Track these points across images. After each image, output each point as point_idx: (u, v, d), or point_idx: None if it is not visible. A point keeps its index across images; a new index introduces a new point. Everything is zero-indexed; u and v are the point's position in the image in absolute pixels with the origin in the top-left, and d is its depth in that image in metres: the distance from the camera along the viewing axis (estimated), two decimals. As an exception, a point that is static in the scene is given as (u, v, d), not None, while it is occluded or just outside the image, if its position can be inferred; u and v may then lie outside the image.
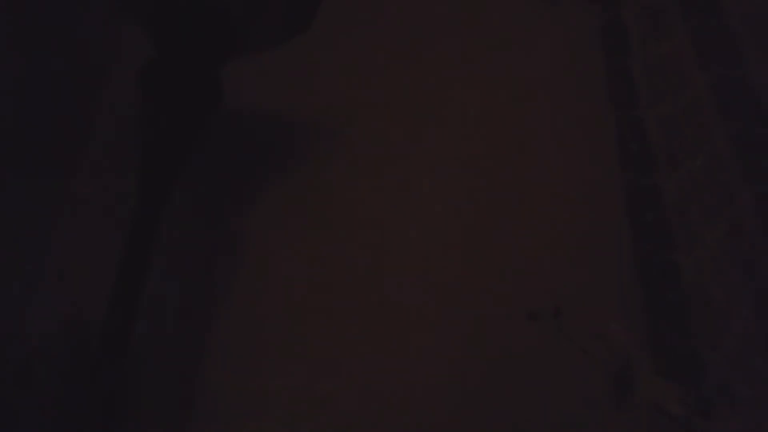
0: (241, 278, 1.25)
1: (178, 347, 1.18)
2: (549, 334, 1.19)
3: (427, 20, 1.60)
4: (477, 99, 1.49)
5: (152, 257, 1.05)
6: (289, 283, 1.25)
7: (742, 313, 1.14)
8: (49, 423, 1.08)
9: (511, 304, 1.23)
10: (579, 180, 1.39)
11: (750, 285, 1.16)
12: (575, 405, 1.13)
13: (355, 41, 1.55)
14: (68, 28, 1.30)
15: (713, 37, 1.42)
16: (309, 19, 1.23)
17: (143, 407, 1.11)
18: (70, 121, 1.35)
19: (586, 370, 1.16)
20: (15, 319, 1.17)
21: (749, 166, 1.25)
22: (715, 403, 1.08)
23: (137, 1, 1.14)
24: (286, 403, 1.13)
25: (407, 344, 1.20)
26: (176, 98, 1.09)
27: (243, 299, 1.23)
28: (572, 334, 1.18)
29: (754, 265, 1.17)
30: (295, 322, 1.21)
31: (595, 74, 1.53)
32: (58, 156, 1.31)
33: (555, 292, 1.24)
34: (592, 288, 1.25)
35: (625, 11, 1.59)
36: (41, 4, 1.22)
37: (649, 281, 1.25)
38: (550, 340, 1.19)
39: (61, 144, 1.32)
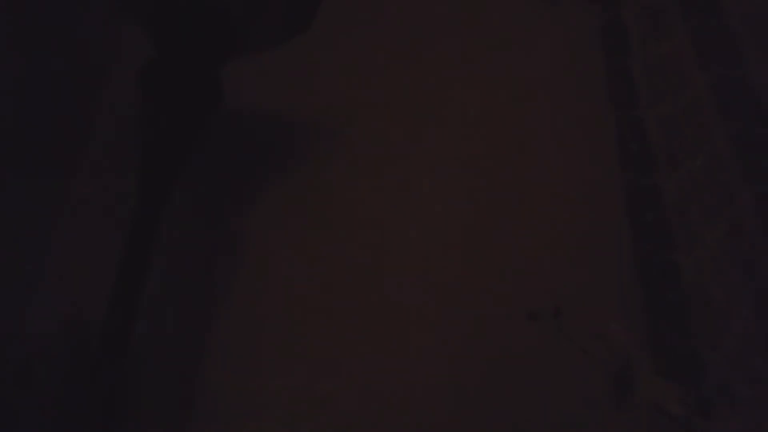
0: (241, 278, 1.25)
1: (178, 347, 1.18)
2: (549, 334, 1.19)
3: (427, 20, 1.60)
4: (477, 99, 1.49)
5: (152, 257, 1.05)
6: (289, 283, 1.25)
7: (742, 313, 1.14)
8: (49, 423, 1.08)
9: (511, 304, 1.23)
10: (579, 180, 1.39)
11: (750, 285, 1.16)
12: (575, 405, 1.13)
13: (355, 41, 1.55)
14: (68, 28, 1.30)
15: (713, 37, 1.42)
16: (309, 19, 1.23)
17: (143, 407, 1.11)
18: (70, 121, 1.35)
19: (586, 370, 1.16)
20: (15, 319, 1.17)
21: (749, 166, 1.25)
22: (715, 403, 1.08)
23: (137, 1, 1.14)
24: (286, 403, 1.13)
25: (407, 344, 1.20)
26: (176, 98, 1.09)
27: (243, 299, 1.23)
28: (572, 334, 1.18)
29: (754, 265, 1.17)
30: (295, 322, 1.21)
31: (595, 74, 1.53)
32: (58, 156, 1.31)
33: (555, 292, 1.24)
34: (592, 288, 1.25)
35: (625, 11, 1.59)
36: (41, 4, 1.22)
37: (649, 281, 1.25)
38: (550, 340, 1.19)
39: (61, 144, 1.32)
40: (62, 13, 1.28)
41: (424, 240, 1.31)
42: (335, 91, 1.48)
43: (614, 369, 1.16)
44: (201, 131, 1.13)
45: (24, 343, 1.15)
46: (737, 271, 1.18)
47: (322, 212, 1.33)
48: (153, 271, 1.05)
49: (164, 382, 1.14)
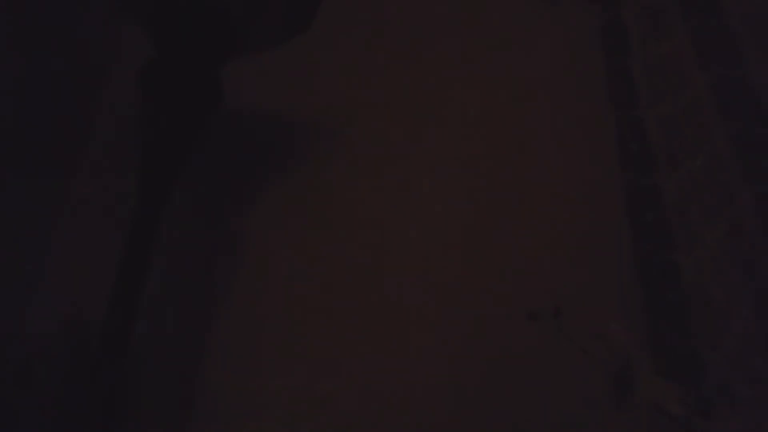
0: (241, 278, 1.25)
1: (178, 347, 1.18)
2: (549, 334, 1.19)
3: (427, 20, 1.60)
4: (477, 99, 1.49)
5: (152, 257, 1.05)
6: (289, 283, 1.25)
7: (742, 313, 1.14)
8: (49, 423, 1.08)
9: (511, 304, 1.23)
10: (579, 180, 1.39)
11: (750, 285, 1.16)
12: (575, 405, 1.13)
13: (355, 41, 1.55)
14: (68, 28, 1.30)
15: (713, 37, 1.42)
16: (309, 19, 1.23)
17: (143, 407, 1.11)
18: (70, 121, 1.35)
19: (586, 370, 1.16)
20: (15, 319, 1.17)
21: (749, 166, 1.25)
22: (715, 403, 1.08)
23: (137, 1, 1.14)
24: (286, 403, 1.13)
25: (407, 344, 1.20)
26: (176, 98, 1.09)
27: (243, 299, 1.23)
28: (572, 334, 1.18)
29: (754, 265, 1.17)
30: (295, 322, 1.21)
31: (595, 74, 1.53)
32: (58, 156, 1.31)
33: (555, 292, 1.24)
34: (592, 288, 1.25)
35: (625, 11, 1.58)
36: (41, 4, 1.22)
37: (649, 281, 1.25)
38: (550, 340, 1.19)
39: (61, 144, 1.32)
40: (62, 13, 1.28)
41: (424, 240, 1.31)
42: (335, 91, 1.48)
43: (614, 369, 1.16)
44: (201, 131, 1.13)
45: (24, 343, 1.15)
46: (737, 271, 1.18)
47: (322, 212, 1.33)
48: (153, 271, 1.05)
49: (164, 382, 1.14)
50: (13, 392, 1.11)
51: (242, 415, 1.12)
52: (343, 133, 1.43)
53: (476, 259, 1.29)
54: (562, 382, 1.15)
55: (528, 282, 1.26)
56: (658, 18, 1.53)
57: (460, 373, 1.17)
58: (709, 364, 1.12)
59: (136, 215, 1.05)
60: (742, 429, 1.06)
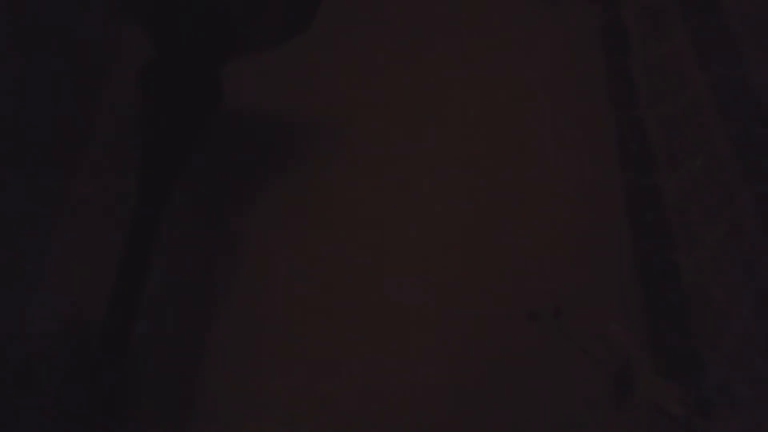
0: (241, 278, 1.25)
1: (178, 347, 1.18)
2: (549, 334, 1.19)
3: (427, 20, 1.60)
4: (477, 99, 1.49)
5: (152, 257, 1.05)
6: (289, 283, 1.25)
7: (742, 313, 1.14)
8: (49, 423, 1.08)
9: (511, 304, 1.23)
10: (579, 180, 1.39)
11: (750, 285, 1.16)
12: (575, 405, 1.13)
13: (355, 41, 1.54)
14: (68, 28, 1.30)
15: (713, 37, 1.42)
16: (309, 19, 1.23)
17: (143, 407, 1.11)
18: (70, 121, 1.35)
19: (586, 370, 1.16)
20: (15, 319, 1.17)
21: (749, 166, 1.25)
22: (715, 403, 1.08)
23: (137, 1, 1.14)
24: (286, 403, 1.13)
25: (407, 344, 1.20)
26: (176, 98, 1.09)
27: (243, 299, 1.23)
28: (572, 334, 1.18)
29: (754, 265, 1.17)
30: (295, 322, 1.21)
31: (595, 74, 1.53)
32: (58, 156, 1.31)
33: (555, 292, 1.24)
34: (592, 288, 1.25)
35: (625, 11, 1.58)
36: (41, 4, 1.22)
37: (649, 281, 1.25)
38: (550, 340, 1.19)
39: (61, 144, 1.32)
40: (62, 13, 1.28)
41: (424, 240, 1.31)
42: (335, 91, 1.48)
43: (614, 369, 1.16)
44: (201, 131, 1.13)
45: (24, 343, 1.15)
46: (737, 271, 1.18)
47: (322, 212, 1.33)
48: (153, 271, 1.05)
49: (164, 382, 1.14)
50: (13, 392, 1.11)
51: (242, 415, 1.12)
52: (343, 133, 1.43)
53: (476, 259, 1.29)
54: (562, 382, 1.15)
55: (528, 282, 1.26)
56: (658, 18, 1.53)
57: (460, 373, 1.17)
58: (709, 364, 1.12)
59: (136, 215, 1.05)
60: (742, 429, 1.06)
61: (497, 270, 1.28)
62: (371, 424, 1.12)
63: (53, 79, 1.27)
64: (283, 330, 1.20)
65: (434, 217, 1.33)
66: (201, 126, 1.12)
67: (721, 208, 1.24)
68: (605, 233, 1.32)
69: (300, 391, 1.14)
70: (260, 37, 1.19)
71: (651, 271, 1.25)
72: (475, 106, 1.48)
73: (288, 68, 1.45)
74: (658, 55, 1.48)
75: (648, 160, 1.36)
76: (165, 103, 1.08)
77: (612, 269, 1.27)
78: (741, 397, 1.08)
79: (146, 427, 1.10)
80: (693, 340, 1.15)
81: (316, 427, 1.12)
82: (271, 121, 1.44)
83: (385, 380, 1.16)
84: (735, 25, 1.41)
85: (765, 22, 1.40)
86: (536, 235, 1.32)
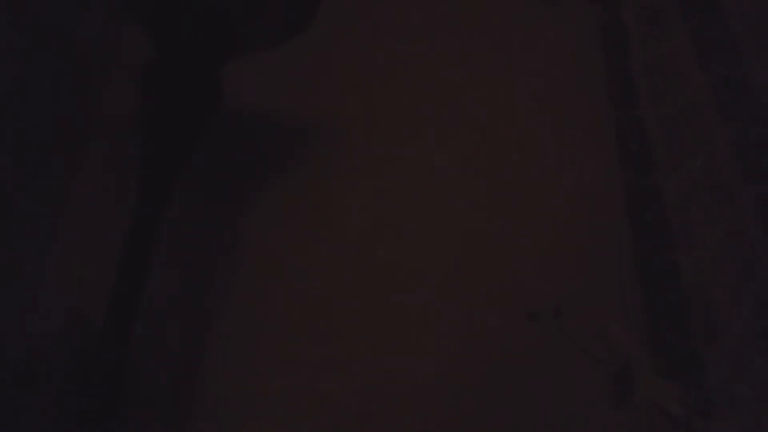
0: (241, 278, 1.25)
1: (178, 347, 1.18)
2: (549, 334, 1.19)
3: (427, 20, 1.60)
4: (477, 99, 1.49)
5: (152, 257, 1.05)
6: (289, 283, 1.25)
7: (742, 313, 1.14)
8: (49, 423, 1.08)
9: (511, 304, 1.23)
10: (579, 180, 1.39)
11: (750, 285, 1.16)
12: (575, 405, 1.13)
13: (355, 41, 1.55)
14: (68, 28, 1.30)
15: (713, 37, 1.42)
16: (309, 19, 1.23)
17: (143, 407, 1.11)
18: (70, 121, 1.35)
19: (586, 370, 1.16)
20: (15, 319, 1.17)
21: (749, 166, 1.25)
22: (715, 403, 1.08)
23: (137, 1, 1.14)
24: (286, 403, 1.13)
25: (407, 344, 1.20)
26: (176, 98, 1.09)
27: (243, 299, 1.23)
28: (572, 334, 1.18)
29: (754, 265, 1.17)
30: (295, 322, 1.21)
31: (595, 74, 1.53)
32: (58, 156, 1.31)
33: (555, 292, 1.24)
34: (592, 288, 1.25)
35: (625, 11, 1.59)
36: (41, 4, 1.22)
37: (649, 281, 1.25)
38: (550, 340, 1.19)
39: (61, 144, 1.32)
40: (62, 13, 1.28)
41: (424, 240, 1.31)
42: (335, 91, 1.48)
43: (614, 369, 1.16)
44: (201, 131, 1.13)
45: (24, 343, 1.15)
46: (737, 271, 1.18)
47: (322, 212, 1.33)
48: (153, 271, 1.05)
49: (164, 382, 1.14)
50: (13, 392, 1.11)
51: (242, 415, 1.12)
52: (343, 133, 1.43)
53: (476, 259, 1.29)
54: (562, 382, 1.15)
55: (528, 282, 1.26)
56: (658, 18, 1.53)
57: (460, 373, 1.17)
58: (709, 364, 1.12)
59: (136, 215, 1.05)
60: (742, 429, 1.06)
61: (497, 270, 1.28)
62: (371, 424, 1.12)
63: (53, 79, 1.27)
64: (283, 330, 1.20)
65: (434, 217, 1.33)
66: (201, 126, 1.12)
67: (721, 208, 1.24)
68: (605, 233, 1.32)
69: (300, 391, 1.14)
70: (260, 37, 1.19)
71: (651, 271, 1.25)
72: (475, 106, 1.48)
73: (288, 68, 1.45)
74: (658, 55, 1.48)
75: (648, 160, 1.36)
76: (165, 103, 1.08)
77: (612, 269, 1.27)
78: (741, 397, 1.08)
79: (146, 427, 1.10)
80: (693, 340, 1.15)
81: (316, 427, 1.12)
82: (271, 121, 1.44)
83: (385, 380, 1.16)
84: (735, 25, 1.41)
85: (765, 22, 1.40)
86: (536, 235, 1.32)
